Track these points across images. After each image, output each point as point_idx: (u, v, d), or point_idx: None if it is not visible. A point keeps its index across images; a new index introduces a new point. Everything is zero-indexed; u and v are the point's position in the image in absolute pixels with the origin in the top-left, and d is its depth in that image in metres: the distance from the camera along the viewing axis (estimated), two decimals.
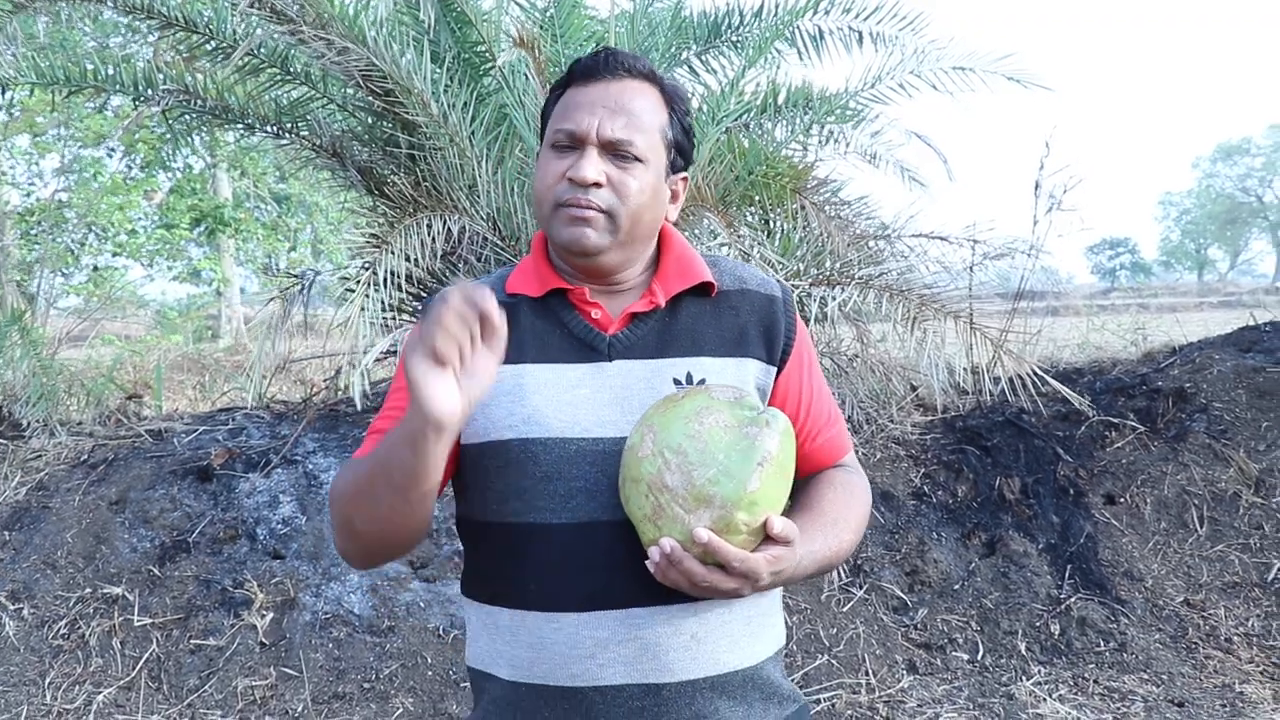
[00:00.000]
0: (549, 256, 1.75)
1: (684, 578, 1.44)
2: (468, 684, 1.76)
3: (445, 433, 1.37)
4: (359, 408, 4.94)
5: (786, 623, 4.44)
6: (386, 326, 5.29)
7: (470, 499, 1.68)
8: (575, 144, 1.62)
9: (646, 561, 1.46)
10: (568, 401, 1.62)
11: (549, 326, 1.68)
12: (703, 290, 1.72)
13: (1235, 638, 4.64)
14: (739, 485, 1.42)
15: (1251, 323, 6.77)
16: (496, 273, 1.81)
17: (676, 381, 1.63)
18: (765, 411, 1.49)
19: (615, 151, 1.61)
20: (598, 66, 1.65)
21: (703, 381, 1.63)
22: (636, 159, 1.62)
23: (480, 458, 1.63)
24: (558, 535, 1.57)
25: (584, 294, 1.68)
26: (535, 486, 1.59)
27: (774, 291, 1.77)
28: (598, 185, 1.60)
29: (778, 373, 1.73)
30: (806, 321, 4.82)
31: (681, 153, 1.72)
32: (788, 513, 1.54)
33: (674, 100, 1.69)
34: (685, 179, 1.77)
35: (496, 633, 1.66)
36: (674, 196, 1.74)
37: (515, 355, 1.63)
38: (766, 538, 1.46)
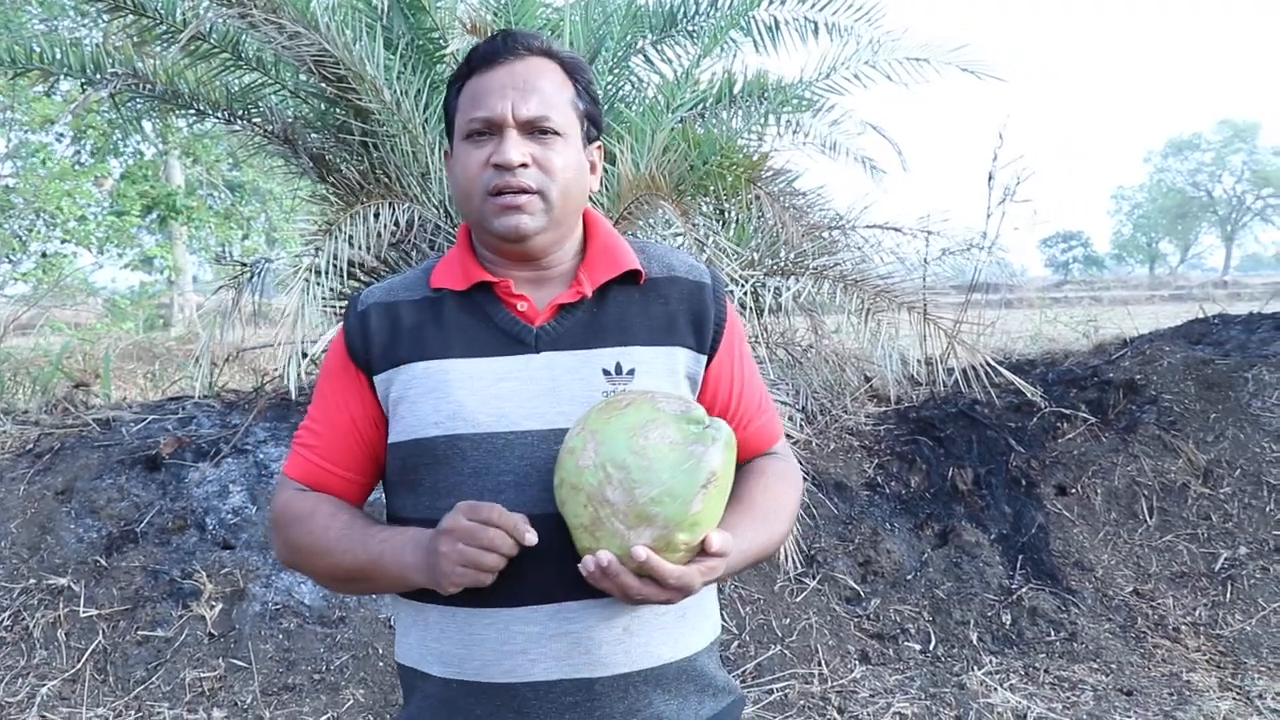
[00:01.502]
0: (473, 248, 1.73)
1: (617, 590, 1.43)
2: None
3: None
4: (294, 399, 4.89)
5: (739, 613, 4.45)
6: (339, 315, 5.24)
7: (400, 497, 1.67)
8: (492, 130, 1.61)
9: (580, 566, 1.44)
10: (494, 395, 1.60)
11: (474, 321, 1.66)
12: (631, 278, 1.70)
13: (1183, 627, 4.69)
14: (682, 506, 1.40)
15: (1201, 316, 6.84)
16: (423, 264, 1.79)
17: (605, 372, 1.61)
18: (710, 425, 1.47)
19: (534, 129, 1.61)
20: (497, 50, 1.64)
21: (632, 372, 1.62)
22: (555, 133, 1.62)
23: (408, 456, 1.63)
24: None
25: (509, 286, 1.66)
26: (464, 483, 1.57)
27: (703, 278, 1.75)
28: (524, 166, 1.59)
29: (708, 361, 1.71)
30: (760, 312, 4.82)
31: (593, 122, 1.72)
32: None
33: (575, 72, 1.69)
34: (600, 147, 1.77)
35: (426, 629, 1.64)
36: (593, 167, 1.73)
37: (441, 351, 1.63)
38: (702, 550, 1.45)
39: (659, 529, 1.40)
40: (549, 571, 1.54)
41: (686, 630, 1.66)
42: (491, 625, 1.57)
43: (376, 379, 1.67)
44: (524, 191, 1.59)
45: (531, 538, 1.44)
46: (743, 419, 1.74)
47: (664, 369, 1.65)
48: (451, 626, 1.60)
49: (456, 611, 1.59)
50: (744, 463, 1.74)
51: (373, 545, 1.58)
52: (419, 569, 1.51)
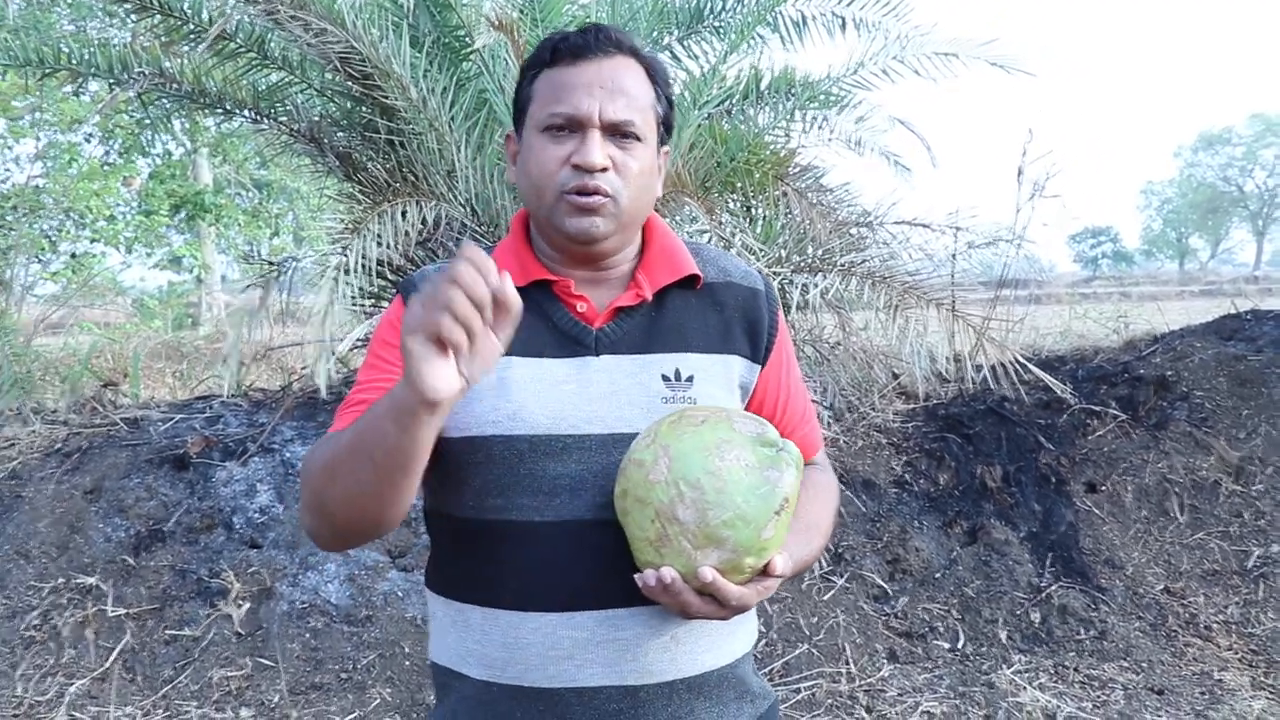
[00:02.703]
0: (530, 241, 1.69)
1: (676, 606, 1.41)
2: None
3: (439, 413, 1.31)
4: (324, 396, 4.89)
5: (766, 611, 4.43)
6: (366, 314, 5.25)
7: (445, 493, 1.63)
8: (575, 127, 1.56)
9: (636, 576, 1.42)
10: (554, 397, 1.57)
11: (534, 319, 1.61)
12: (688, 282, 1.68)
13: (1214, 625, 4.64)
14: (754, 532, 1.38)
15: (1233, 311, 6.78)
16: None
17: (665, 378, 1.59)
18: (784, 449, 1.45)
19: (617, 133, 1.57)
20: (588, 44, 1.58)
21: (691, 379, 1.60)
22: (637, 139, 1.58)
23: (462, 453, 1.58)
24: (539, 534, 1.52)
25: (569, 286, 1.63)
26: (518, 484, 1.54)
27: (757, 284, 1.73)
28: (605, 170, 1.55)
29: (760, 370, 1.69)
30: (788, 309, 4.80)
31: (667, 127, 1.69)
32: None
33: (656, 74, 1.65)
34: (667, 152, 1.73)
35: (467, 630, 1.61)
36: (658, 171, 1.70)
37: None
38: (764, 571, 1.43)
39: (728, 552, 1.38)
40: (599, 578, 1.52)
41: (729, 638, 1.64)
42: (538, 630, 1.54)
43: None
44: (601, 195, 1.56)
45: (495, 279, 1.25)
46: (787, 429, 1.71)
47: (720, 376, 1.63)
48: (495, 629, 1.57)
49: (501, 614, 1.56)
50: None
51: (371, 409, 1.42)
52: (403, 379, 1.30)
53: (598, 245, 1.61)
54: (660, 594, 1.40)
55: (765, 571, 1.43)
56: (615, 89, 1.57)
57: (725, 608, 1.41)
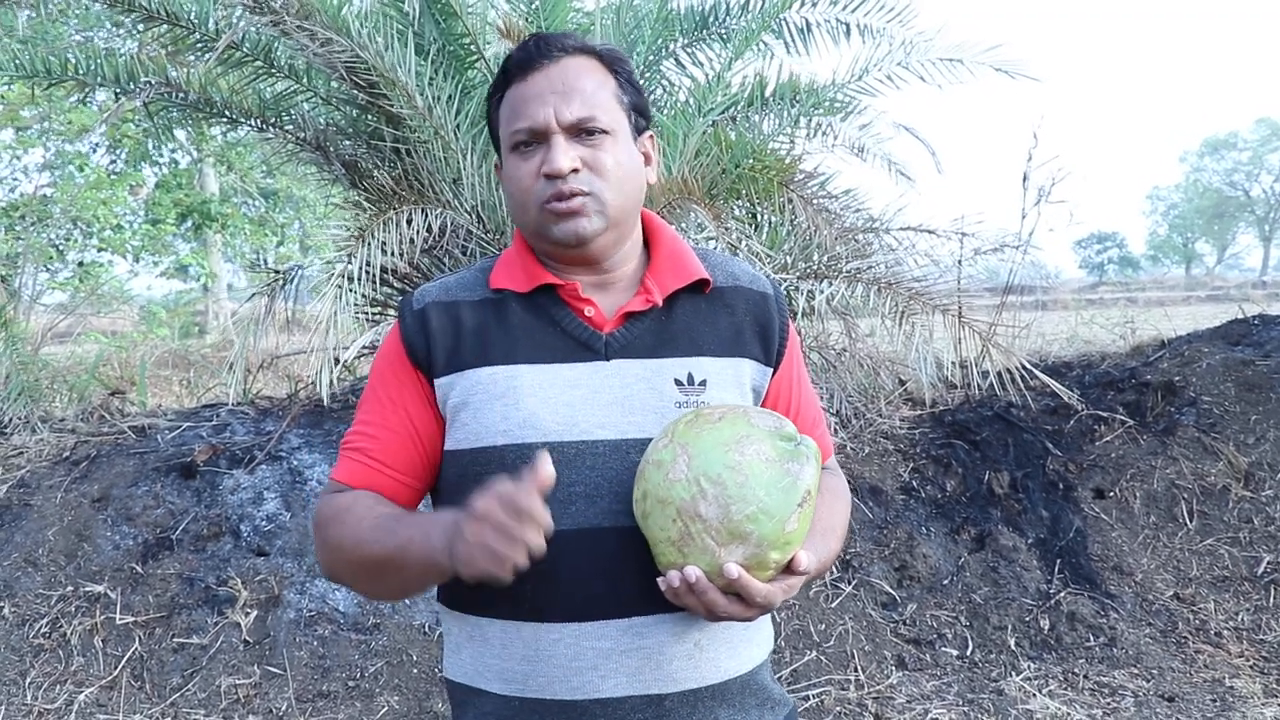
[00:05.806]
0: (533, 249, 1.69)
1: (702, 607, 1.40)
2: None
3: None
4: (326, 405, 4.89)
5: (775, 617, 4.42)
6: (371, 321, 5.25)
7: (458, 504, 1.57)
8: (538, 139, 1.57)
9: (659, 580, 1.41)
10: (564, 403, 1.56)
11: (541, 324, 1.61)
12: (696, 286, 1.67)
13: (1225, 631, 4.63)
14: (778, 525, 1.38)
15: (1240, 316, 6.76)
16: (478, 264, 1.74)
17: (677, 382, 1.58)
18: (802, 443, 1.44)
19: (580, 131, 1.57)
20: (531, 56, 1.60)
21: (704, 383, 1.59)
22: (603, 132, 1.58)
23: (470, 464, 1.57)
24: (556, 542, 1.45)
25: (576, 290, 1.62)
26: None
27: (766, 288, 1.72)
28: (575, 171, 1.55)
29: (773, 373, 1.68)
30: (794, 316, 4.79)
31: (641, 113, 1.67)
32: None
33: (615, 64, 1.64)
34: (652, 136, 1.72)
35: (485, 645, 1.60)
36: (647, 159, 1.69)
37: (507, 356, 1.59)
38: (788, 568, 1.43)
39: (752, 547, 1.37)
40: (621, 586, 1.51)
41: (748, 644, 1.64)
42: (560, 641, 1.53)
43: (437, 382, 1.61)
44: (578, 195, 1.55)
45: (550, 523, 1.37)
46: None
47: (732, 380, 1.62)
48: (516, 642, 1.56)
49: (522, 626, 1.55)
50: None
51: (403, 530, 1.51)
52: (444, 551, 1.41)
53: (591, 245, 1.60)
54: (685, 595, 1.39)
55: (790, 568, 1.42)
56: (567, 90, 1.57)
57: (751, 606, 1.40)
